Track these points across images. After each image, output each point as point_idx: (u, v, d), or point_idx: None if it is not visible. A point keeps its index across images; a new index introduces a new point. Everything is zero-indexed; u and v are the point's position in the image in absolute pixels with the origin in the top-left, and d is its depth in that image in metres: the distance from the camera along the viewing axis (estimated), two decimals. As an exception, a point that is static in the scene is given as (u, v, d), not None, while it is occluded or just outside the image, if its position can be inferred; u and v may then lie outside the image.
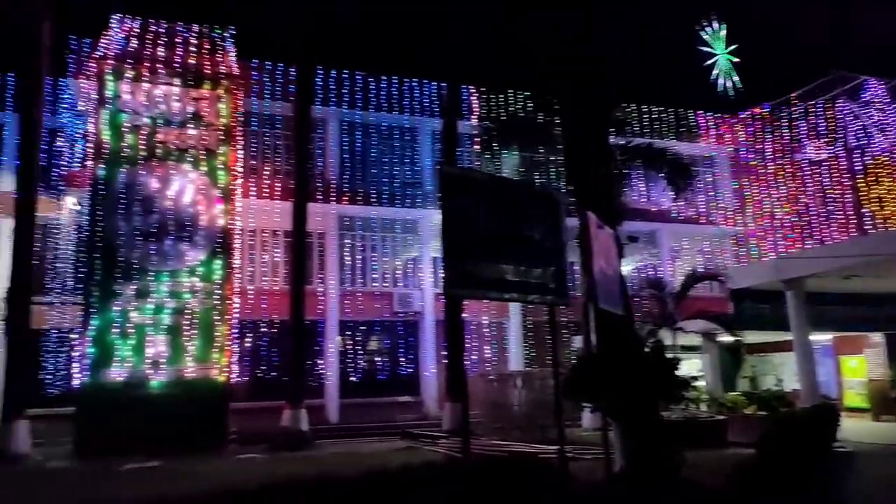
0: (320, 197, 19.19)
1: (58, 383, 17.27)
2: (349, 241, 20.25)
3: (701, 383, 15.93)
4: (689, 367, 14.57)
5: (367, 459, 11.63)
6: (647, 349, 9.50)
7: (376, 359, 20.14)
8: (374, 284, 20.22)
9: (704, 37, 16.78)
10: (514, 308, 20.34)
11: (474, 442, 12.21)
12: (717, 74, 16.93)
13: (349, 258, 20.11)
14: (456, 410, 15.55)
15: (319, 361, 18.98)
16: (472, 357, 19.67)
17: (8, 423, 13.07)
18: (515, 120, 17.88)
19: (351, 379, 19.36)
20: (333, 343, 19.05)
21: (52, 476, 11.37)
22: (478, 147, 18.51)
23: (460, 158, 19.51)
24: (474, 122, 20.40)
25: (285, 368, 17.02)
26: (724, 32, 17.14)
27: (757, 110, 23.32)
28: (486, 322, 20.31)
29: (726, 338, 16.30)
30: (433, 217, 19.83)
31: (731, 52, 17.21)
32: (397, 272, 20.65)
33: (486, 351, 20.14)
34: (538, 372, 16.41)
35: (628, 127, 18.55)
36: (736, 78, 16.35)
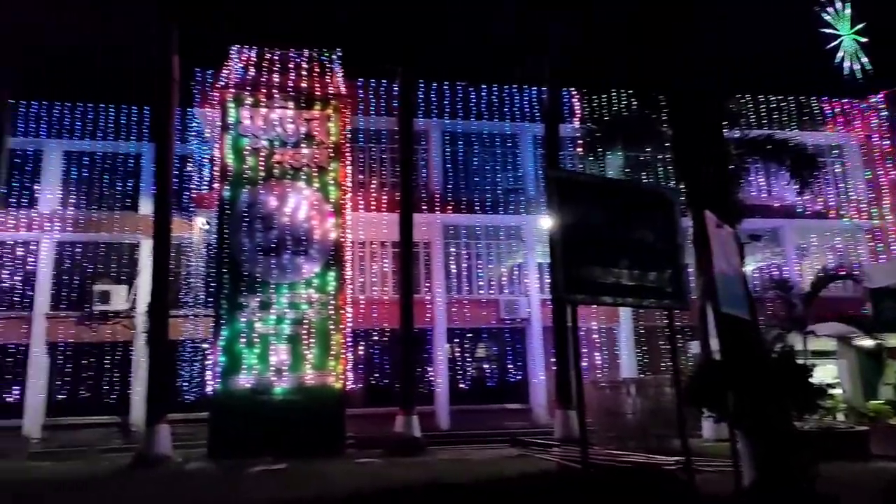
0: (425, 207, 19.63)
1: (193, 390, 18.78)
2: (454, 249, 20.53)
3: (837, 391, 14.69)
4: (824, 373, 13.44)
5: (480, 467, 11.72)
6: (774, 354, 8.90)
7: (484, 366, 20.25)
8: (480, 292, 20.37)
9: (827, 18, 15.58)
10: (625, 313, 19.78)
11: (588, 451, 11.98)
12: (843, 57, 15.67)
13: (455, 266, 20.38)
14: (567, 418, 15.32)
15: (429, 369, 19.35)
16: (582, 364, 19.23)
17: (151, 427, 14.25)
18: (619, 119, 17.44)
19: (460, 386, 19.58)
20: (442, 350, 19.35)
21: (192, 477, 12.27)
22: (581, 150, 18.16)
23: (563, 162, 19.30)
24: (576, 124, 20.08)
25: (396, 375, 17.51)
26: (848, 11, 15.84)
27: (888, 92, 21.30)
28: (596, 328, 19.87)
29: (865, 341, 14.94)
30: (537, 222, 19.71)
31: (857, 32, 15.87)
32: (503, 279, 20.68)
33: (597, 357, 19.69)
34: (652, 379, 15.83)
35: (745, 118, 17.56)
36: (864, 59, 15.03)
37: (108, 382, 19.15)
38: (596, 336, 19.94)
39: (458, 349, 19.99)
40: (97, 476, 12.82)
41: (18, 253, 19.44)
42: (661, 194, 7.71)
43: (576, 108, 20.87)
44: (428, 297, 19.69)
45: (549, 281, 19.76)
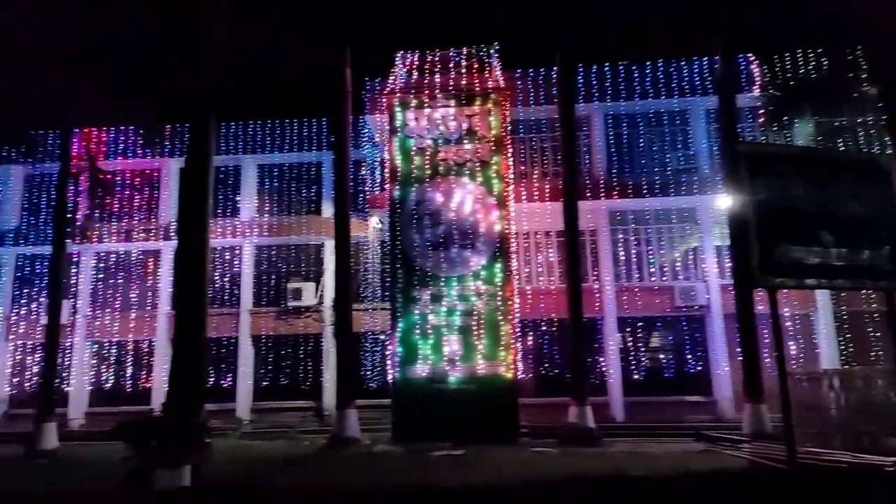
0: (590, 194, 19.18)
1: (375, 378, 20.15)
2: (622, 235, 19.86)
3: None
4: None
5: (663, 461, 11.24)
6: None
7: (660, 356, 19.36)
8: (651, 279, 19.50)
9: None
10: (823, 297, 17.81)
11: (780, 448, 10.97)
12: None
13: (624, 253, 19.72)
14: (757, 412, 14.16)
15: (600, 359, 18.95)
16: (774, 355, 17.68)
17: (341, 411, 15.50)
18: (807, 83, 15.68)
19: (634, 377, 18.93)
20: (613, 340, 18.83)
21: (382, 458, 13.15)
22: (762, 120, 16.66)
23: (742, 136, 17.80)
24: (755, 93, 18.40)
25: (567, 366, 17.35)
26: None
27: None
28: (788, 314, 18.12)
29: None
30: (713, 203, 18.43)
31: None
32: (677, 265, 19.61)
33: (791, 347, 17.95)
34: (860, 370, 14.09)
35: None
36: None
37: (303, 370, 21.19)
38: (789, 323, 18.19)
39: (630, 338, 19.34)
40: (302, 454, 14.26)
41: (226, 257, 22.10)
42: (873, 163, 6.84)
43: (754, 75, 19.12)
44: (596, 286, 19.26)
45: (729, 265, 18.41)
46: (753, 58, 19.09)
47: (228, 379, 21.25)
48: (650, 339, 19.50)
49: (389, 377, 16.23)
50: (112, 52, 16.61)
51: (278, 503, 8.98)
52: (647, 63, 20.04)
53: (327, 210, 21.21)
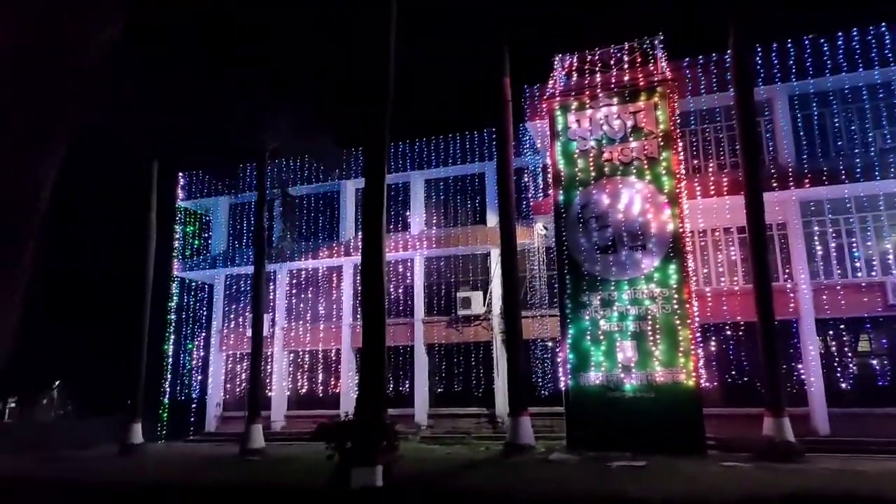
0: (776, 184, 17.44)
1: (547, 385, 19.98)
2: (818, 227, 17.81)
3: None
4: None
5: (883, 481, 9.85)
6: None
7: (871, 361, 16.97)
8: (857, 275, 17.23)
9: None
10: None
11: None
12: None
13: (821, 247, 17.66)
14: None
15: (797, 365, 17.09)
16: None
17: (515, 418, 15.56)
18: None
19: (840, 385, 16.79)
20: (812, 344, 16.89)
21: (559, 466, 12.98)
22: None
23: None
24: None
25: (756, 373, 15.89)
26: None
27: None
28: None
29: None
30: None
31: None
32: (888, 257, 17.12)
33: None
34: None
35: None
36: None
37: (475, 377, 21.63)
38: None
39: (833, 342, 17.21)
40: (479, 459, 14.55)
41: (399, 269, 23.32)
42: None
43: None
44: (789, 285, 17.44)
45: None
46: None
47: (406, 386, 22.32)
48: (858, 343, 17.18)
49: (562, 384, 16.00)
50: (294, 83, 18.32)
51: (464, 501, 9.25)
52: (838, 33, 17.84)
53: (492, 219, 21.55)
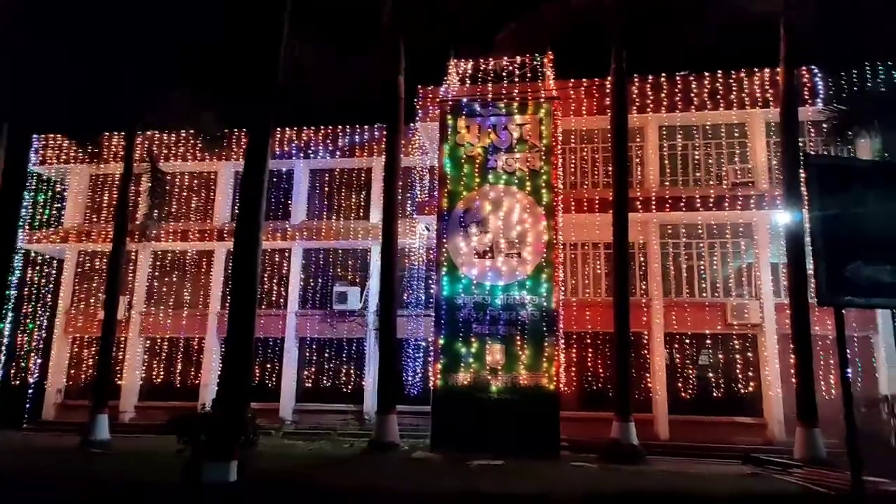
0: (641, 206, 18.81)
1: (416, 385, 20.19)
2: (673, 249, 19.42)
3: None
4: None
5: (709, 483, 10.90)
6: None
7: (709, 374, 18.78)
8: (703, 295, 18.99)
9: None
10: (885, 319, 17.03)
11: (835, 475, 10.51)
12: None
13: (673, 268, 19.28)
14: (810, 437, 13.60)
15: (646, 374, 18.53)
16: (828, 378, 16.99)
17: (383, 416, 15.59)
18: (875, 97, 15.06)
19: (681, 394, 18.44)
20: (660, 356, 18.40)
21: (419, 464, 13.17)
22: (826, 135, 16.05)
23: (803, 150, 17.17)
24: (819, 107, 17.74)
25: (611, 380, 17.04)
26: None
27: None
28: (847, 336, 17.34)
29: None
30: (770, 219, 17.90)
31: None
32: (729, 281, 19.04)
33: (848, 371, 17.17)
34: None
35: None
36: None
37: (346, 374, 21.41)
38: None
39: (678, 355, 18.85)
40: (342, 456, 14.40)
41: (276, 259, 22.57)
42: None
43: (817, 87, 18.47)
44: (644, 300, 18.87)
45: (785, 283, 17.78)
46: (817, 70, 18.46)
47: (273, 379, 21.64)
48: (699, 357, 18.95)
49: (431, 384, 16.23)
50: (174, 53, 17.22)
51: (321, 501, 9.09)
52: (705, 73, 19.59)
53: (376, 215, 21.45)
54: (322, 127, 23.07)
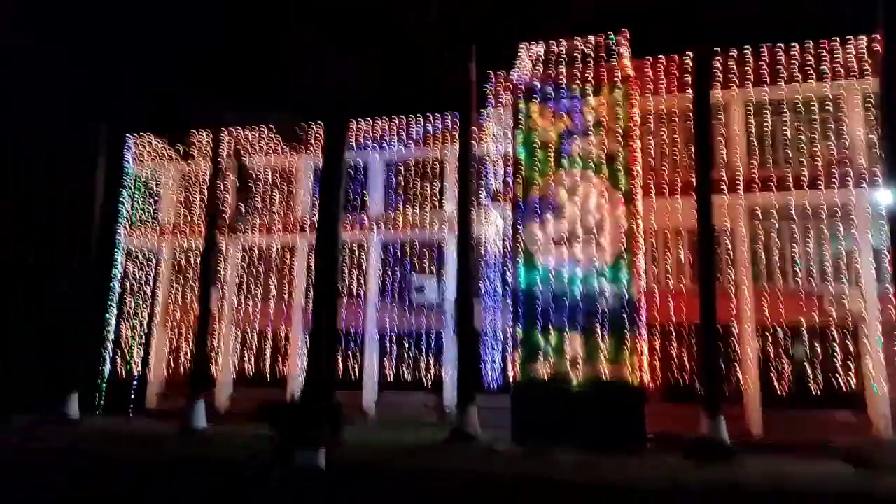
0: (727, 188, 17.90)
1: (496, 377, 20.16)
2: (762, 233, 18.38)
3: None
4: None
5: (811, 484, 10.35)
6: None
7: (805, 367, 17.68)
8: (796, 282, 17.89)
9: None
10: None
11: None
12: None
13: (764, 254, 18.25)
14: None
15: (736, 367, 17.70)
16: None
17: (463, 407, 15.70)
18: None
19: (775, 388, 17.49)
20: (751, 347, 17.52)
21: (502, 455, 13.20)
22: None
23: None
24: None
25: (699, 373, 16.41)
26: None
27: None
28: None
29: None
30: (871, 198, 16.62)
31: None
32: (826, 267, 17.83)
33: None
34: None
35: None
36: None
37: (425, 365, 21.67)
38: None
39: (771, 347, 17.85)
40: (423, 446, 14.64)
41: (354, 251, 23.06)
42: None
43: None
44: (732, 289, 17.99)
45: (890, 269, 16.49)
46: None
47: (355, 370, 22.21)
48: (795, 348, 17.87)
49: (510, 376, 16.20)
50: (253, 55, 17.82)
51: (403, 484, 9.31)
52: (794, 44, 18.32)
53: (451, 205, 21.48)
54: (395, 116, 23.21)
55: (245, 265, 24.23)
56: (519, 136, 17.49)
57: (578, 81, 17.30)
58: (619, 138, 16.78)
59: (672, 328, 18.39)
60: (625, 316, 15.65)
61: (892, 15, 14.09)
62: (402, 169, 23.53)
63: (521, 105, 17.59)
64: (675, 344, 18.43)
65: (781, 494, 9.23)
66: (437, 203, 22.81)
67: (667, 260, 19.07)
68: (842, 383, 17.05)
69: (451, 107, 21.62)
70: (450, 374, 20.30)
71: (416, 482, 9.68)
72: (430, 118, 22.89)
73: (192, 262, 24.39)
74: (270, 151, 24.17)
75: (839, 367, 17.21)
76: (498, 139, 21.12)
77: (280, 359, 23.14)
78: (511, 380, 15.98)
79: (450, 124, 22.30)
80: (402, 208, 22.94)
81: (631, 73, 17.41)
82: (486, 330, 20.23)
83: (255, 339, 23.66)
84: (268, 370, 23.19)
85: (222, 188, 21.03)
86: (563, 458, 12.65)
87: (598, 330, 15.62)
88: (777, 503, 8.91)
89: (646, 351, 16.35)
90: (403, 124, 23.17)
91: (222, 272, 23.79)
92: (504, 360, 19.03)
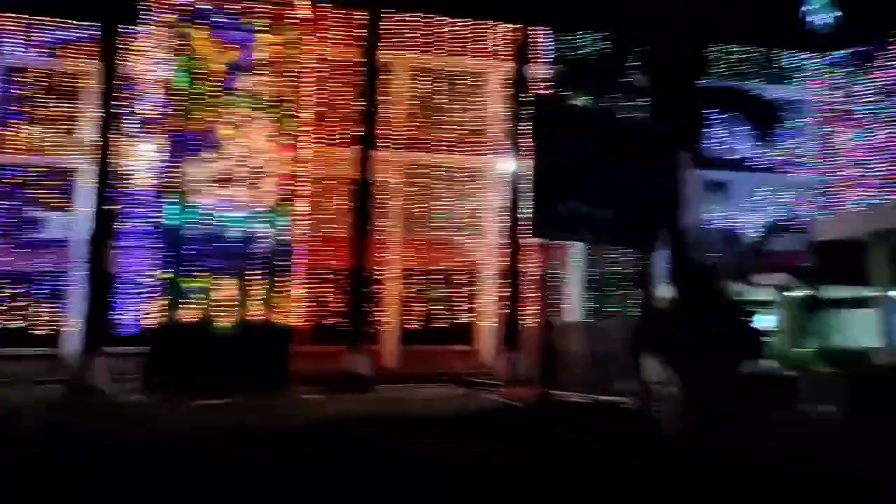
0: (389, 145, 19.03)
1: (133, 324, 18.02)
2: (414, 189, 20.15)
3: (774, 339, 15.09)
4: (764, 322, 13.73)
5: (431, 406, 11.80)
6: (722, 301, 8.94)
7: (437, 307, 19.99)
8: (437, 233, 20.10)
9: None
10: (577, 256, 19.85)
11: (529, 391, 12.13)
12: (811, 10, 15.48)
13: (414, 207, 20.08)
14: (512, 360, 15.53)
15: (380, 309, 19.15)
16: (528, 307, 19.24)
17: (87, 358, 13.78)
18: (587, 63, 17.03)
19: (411, 326, 19.51)
20: (394, 290, 19.24)
21: (127, 408, 12.00)
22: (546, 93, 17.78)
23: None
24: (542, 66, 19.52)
25: (346, 314, 17.32)
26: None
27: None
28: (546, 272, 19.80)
29: (805, 292, 15.31)
30: (498, 164, 19.38)
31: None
32: (461, 221, 20.39)
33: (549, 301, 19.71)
34: (600, 324, 16.05)
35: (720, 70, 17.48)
36: (837, 13, 14.81)
37: (43, 312, 18.28)
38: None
39: (412, 290, 19.77)
40: (33, 404, 12.37)
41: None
42: (657, 133, 7.45)
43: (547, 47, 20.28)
44: (382, 237, 19.25)
45: (505, 224, 19.46)
46: (543, 30, 20.19)
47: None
48: (429, 292, 20.06)
49: (147, 322, 14.77)
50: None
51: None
52: (457, 20, 20.20)
53: (87, 130, 18.32)
54: (18, 15, 18.82)
55: None
56: (180, 62, 15.82)
57: (253, 15, 16.35)
58: (290, 82, 16.44)
59: (330, 274, 18.96)
60: (280, 261, 15.57)
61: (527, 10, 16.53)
62: (25, 79, 19.24)
63: (186, 29, 15.90)
64: (331, 288, 19.06)
65: (404, 417, 10.26)
66: (71, 126, 19.28)
67: (327, 208, 19.49)
68: (463, 321, 19.93)
69: (99, 18, 18.31)
70: (73, 323, 17.48)
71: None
72: (70, 24, 19.09)
73: None
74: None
75: (463, 307, 20.05)
76: (156, 63, 18.72)
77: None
78: (149, 327, 14.58)
79: (93, 36, 18.90)
80: (20, 127, 18.81)
81: (309, 16, 17.10)
82: (124, 273, 17.99)
83: None
84: None
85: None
86: (197, 404, 12.07)
87: (251, 274, 15.23)
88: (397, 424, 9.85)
89: (300, 295, 16.56)
90: (32, 25, 18.89)
91: None
92: (145, 306, 17.13)
